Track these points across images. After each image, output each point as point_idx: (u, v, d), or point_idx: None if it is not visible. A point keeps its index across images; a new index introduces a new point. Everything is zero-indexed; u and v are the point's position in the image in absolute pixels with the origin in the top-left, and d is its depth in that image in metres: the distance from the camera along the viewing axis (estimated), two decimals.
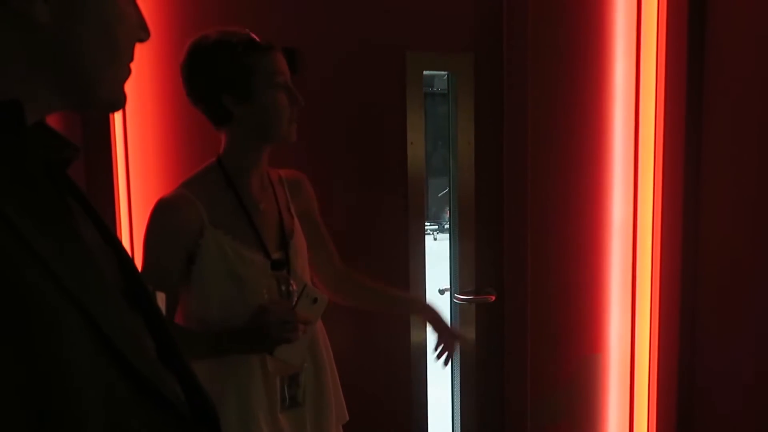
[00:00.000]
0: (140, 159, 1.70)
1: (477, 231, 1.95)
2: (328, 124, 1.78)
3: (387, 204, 1.87)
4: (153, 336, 0.61)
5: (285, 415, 1.31)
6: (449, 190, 1.99)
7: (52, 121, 0.57)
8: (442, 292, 2.04)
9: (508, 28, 1.84)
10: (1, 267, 0.42)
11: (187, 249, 1.24)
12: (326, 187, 1.68)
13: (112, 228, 0.67)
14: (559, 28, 1.88)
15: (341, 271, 1.52)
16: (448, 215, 2.11)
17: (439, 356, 1.53)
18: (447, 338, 1.53)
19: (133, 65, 0.59)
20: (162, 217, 1.24)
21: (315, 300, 1.25)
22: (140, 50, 0.59)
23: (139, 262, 1.20)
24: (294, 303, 1.24)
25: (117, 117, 1.64)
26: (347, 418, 1.47)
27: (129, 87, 0.59)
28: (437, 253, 2.50)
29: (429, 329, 1.56)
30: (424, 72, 1.86)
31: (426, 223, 1.99)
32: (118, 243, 0.64)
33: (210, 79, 1.23)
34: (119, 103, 0.59)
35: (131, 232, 1.67)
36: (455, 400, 2.04)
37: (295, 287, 1.29)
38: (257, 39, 1.24)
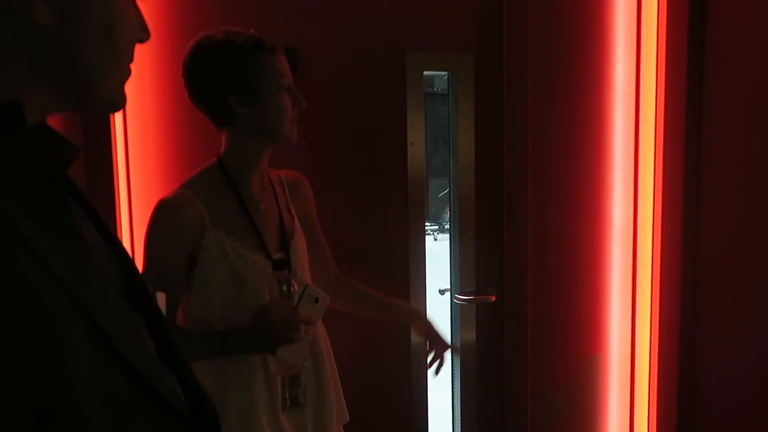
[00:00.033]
0: (140, 159, 1.70)
1: (477, 231, 1.95)
2: (329, 125, 1.78)
3: (387, 204, 1.87)
4: (153, 336, 0.61)
5: (286, 416, 1.31)
6: (449, 190, 1.99)
7: (52, 121, 0.57)
8: (442, 292, 2.04)
9: (508, 29, 1.84)
10: (1, 267, 0.42)
11: (188, 250, 1.24)
12: (327, 187, 1.68)
13: (112, 228, 0.66)
14: (559, 29, 1.88)
15: (335, 275, 1.52)
16: (448, 215, 2.11)
17: (430, 365, 1.53)
18: (438, 348, 1.53)
19: (133, 65, 0.59)
20: (163, 217, 1.24)
21: (316, 300, 1.25)
22: (140, 50, 0.59)
23: (139, 263, 1.20)
24: (296, 303, 1.24)
25: (117, 117, 1.64)
26: (348, 418, 1.47)
27: (129, 87, 0.59)
28: (437, 253, 2.50)
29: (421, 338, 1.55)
30: (425, 72, 1.86)
31: (426, 224, 1.99)
32: (118, 243, 0.64)
33: (215, 78, 1.22)
34: (119, 103, 0.59)
35: (131, 232, 1.67)
36: (455, 400, 2.04)
37: (296, 287, 1.29)
38: (263, 40, 1.24)
